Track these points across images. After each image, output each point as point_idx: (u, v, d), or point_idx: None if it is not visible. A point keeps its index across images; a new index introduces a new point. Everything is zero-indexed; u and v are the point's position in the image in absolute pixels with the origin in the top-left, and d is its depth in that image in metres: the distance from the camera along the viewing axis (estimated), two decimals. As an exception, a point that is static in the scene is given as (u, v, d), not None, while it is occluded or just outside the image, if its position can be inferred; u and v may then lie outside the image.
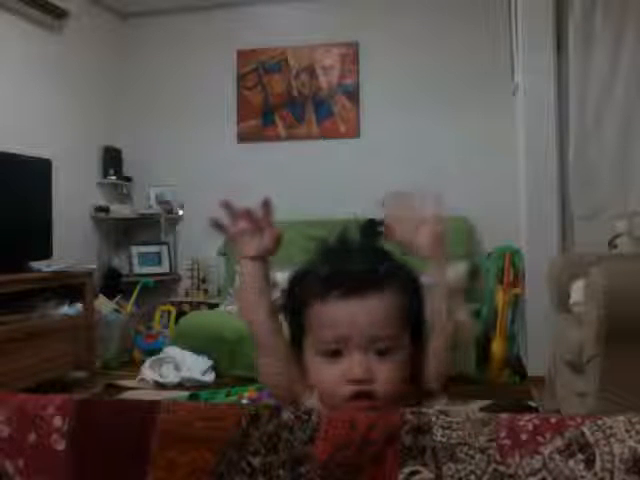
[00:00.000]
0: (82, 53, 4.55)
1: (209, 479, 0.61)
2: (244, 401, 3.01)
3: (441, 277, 0.89)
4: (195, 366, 3.50)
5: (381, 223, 0.99)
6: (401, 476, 0.58)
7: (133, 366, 3.85)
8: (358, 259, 0.87)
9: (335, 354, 0.81)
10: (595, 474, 0.56)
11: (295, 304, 0.88)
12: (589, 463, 0.56)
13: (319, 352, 0.83)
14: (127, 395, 3.24)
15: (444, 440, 0.59)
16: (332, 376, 0.80)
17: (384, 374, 0.80)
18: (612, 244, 3.16)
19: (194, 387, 3.36)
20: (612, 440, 0.56)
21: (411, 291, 0.86)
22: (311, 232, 4.19)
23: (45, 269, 3.45)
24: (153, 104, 4.93)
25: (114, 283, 4.57)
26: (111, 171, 4.75)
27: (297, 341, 0.87)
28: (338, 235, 0.90)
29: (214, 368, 3.58)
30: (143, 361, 3.68)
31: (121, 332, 4.10)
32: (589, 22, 3.40)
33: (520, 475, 0.57)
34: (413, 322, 0.85)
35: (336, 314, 0.82)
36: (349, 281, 0.83)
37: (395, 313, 0.83)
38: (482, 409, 2.81)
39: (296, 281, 0.91)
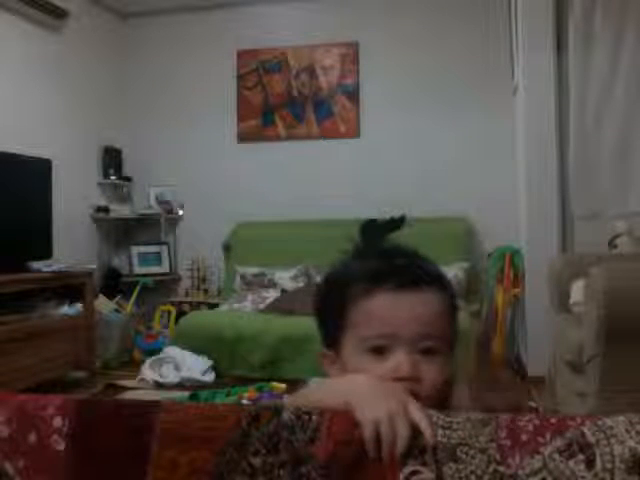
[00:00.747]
0: (82, 53, 4.55)
1: (209, 479, 0.61)
2: (244, 401, 3.01)
3: None
4: (195, 366, 3.50)
5: (394, 221, 0.95)
6: (401, 476, 0.58)
7: (133, 366, 3.85)
8: (402, 256, 0.84)
9: (381, 351, 0.78)
10: (595, 474, 0.56)
11: (335, 302, 0.83)
12: (589, 463, 0.56)
13: (364, 349, 0.79)
14: (127, 395, 3.24)
15: (444, 440, 0.59)
16: (377, 373, 0.76)
17: (430, 374, 0.77)
18: (612, 244, 3.16)
19: (194, 387, 3.36)
20: (612, 440, 0.56)
21: (452, 294, 0.84)
22: (311, 232, 4.20)
23: (45, 269, 3.45)
24: (153, 104, 4.93)
25: (114, 283, 4.57)
26: (111, 171, 4.75)
27: (334, 338, 0.83)
28: (361, 234, 0.89)
29: (214, 368, 3.57)
30: (143, 361, 3.67)
31: (121, 332, 4.10)
32: (589, 22, 3.40)
33: (520, 475, 0.57)
34: (451, 328, 0.83)
35: (384, 309, 0.79)
36: (400, 275, 0.79)
37: (442, 312, 0.80)
38: (482, 409, 2.81)
39: (335, 279, 0.86)
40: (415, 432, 0.60)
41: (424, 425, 0.60)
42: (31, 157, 3.58)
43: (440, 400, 0.77)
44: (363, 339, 0.79)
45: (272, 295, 4.01)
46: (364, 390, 0.66)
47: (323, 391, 0.73)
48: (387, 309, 0.78)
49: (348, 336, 0.81)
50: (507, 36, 4.11)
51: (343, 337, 0.81)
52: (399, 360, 0.76)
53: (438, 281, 0.82)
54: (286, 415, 0.62)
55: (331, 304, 0.84)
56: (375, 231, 0.95)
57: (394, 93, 4.54)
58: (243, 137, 4.80)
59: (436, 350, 0.78)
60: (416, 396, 0.75)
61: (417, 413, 0.62)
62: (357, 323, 0.80)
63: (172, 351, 3.61)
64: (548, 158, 3.50)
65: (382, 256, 0.84)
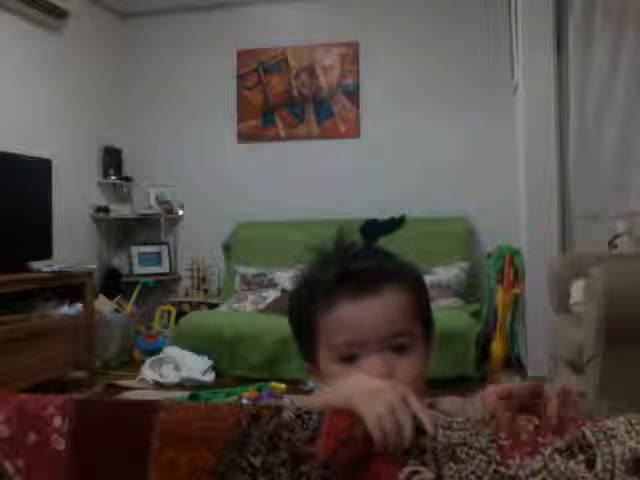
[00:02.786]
0: (82, 53, 4.55)
1: (209, 479, 0.61)
2: (244, 401, 3.01)
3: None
4: (195, 366, 3.50)
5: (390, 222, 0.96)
6: (402, 476, 0.58)
7: (133, 366, 3.85)
8: (361, 259, 0.84)
9: (352, 358, 0.79)
10: (596, 475, 0.56)
11: (303, 314, 0.84)
12: (590, 464, 0.56)
13: (336, 357, 0.80)
14: (127, 395, 3.24)
15: (444, 440, 0.59)
16: None
17: (404, 370, 0.78)
18: (612, 244, 3.16)
19: (194, 387, 3.35)
20: (613, 441, 0.56)
21: (419, 286, 0.85)
22: (311, 232, 4.20)
23: (45, 269, 3.45)
24: (153, 104, 4.93)
25: (114, 283, 4.57)
26: (111, 171, 4.75)
27: (310, 352, 0.84)
28: (336, 239, 0.87)
29: (214, 368, 3.57)
30: (143, 361, 3.68)
31: (121, 332, 4.10)
32: (589, 22, 3.40)
33: (520, 476, 0.57)
34: (423, 318, 0.84)
35: (347, 316, 0.79)
36: (356, 279, 0.80)
37: (408, 307, 0.81)
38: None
39: (301, 291, 0.87)
40: (417, 432, 0.60)
41: (424, 416, 0.60)
42: (31, 157, 3.58)
43: (417, 393, 0.78)
44: (333, 347, 0.80)
45: (272, 295, 4.01)
46: (364, 388, 0.67)
47: (327, 393, 0.73)
48: (349, 316, 0.79)
49: (320, 346, 0.82)
50: (507, 36, 4.11)
51: (317, 348, 0.82)
52: (371, 361, 0.77)
53: (398, 276, 0.82)
54: (286, 414, 0.62)
55: (300, 317, 0.85)
56: (375, 231, 0.96)
57: (394, 93, 4.54)
58: (243, 137, 4.80)
59: (407, 345, 0.79)
60: None
61: (416, 405, 0.62)
62: (325, 333, 0.80)
63: (172, 351, 3.61)
64: (548, 158, 3.49)
65: (339, 263, 0.83)
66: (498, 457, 0.58)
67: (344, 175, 4.58)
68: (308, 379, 0.79)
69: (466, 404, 0.80)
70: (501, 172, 4.27)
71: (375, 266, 0.82)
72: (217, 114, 4.80)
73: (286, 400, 2.97)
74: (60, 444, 0.65)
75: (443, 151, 4.43)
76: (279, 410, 0.62)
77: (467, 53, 4.38)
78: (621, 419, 0.58)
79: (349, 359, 0.79)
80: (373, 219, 4.31)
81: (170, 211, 4.80)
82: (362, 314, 0.79)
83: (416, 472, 0.58)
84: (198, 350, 3.59)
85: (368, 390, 0.66)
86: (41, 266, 3.48)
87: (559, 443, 0.57)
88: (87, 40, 4.61)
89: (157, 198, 4.82)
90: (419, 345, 0.81)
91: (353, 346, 0.78)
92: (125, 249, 4.83)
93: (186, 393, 3.19)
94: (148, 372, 3.50)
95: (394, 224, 4.29)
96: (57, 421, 0.66)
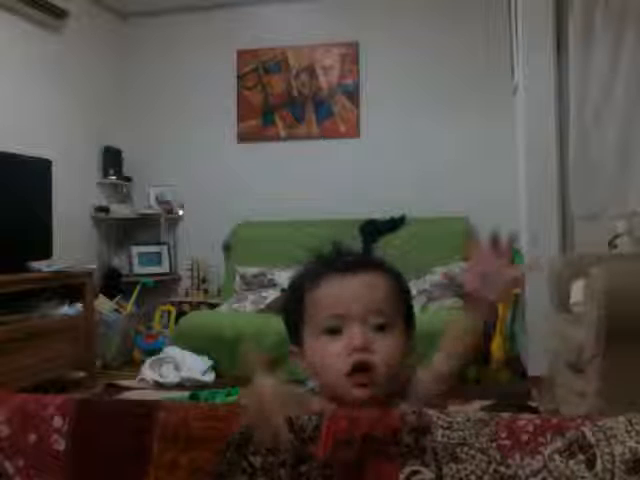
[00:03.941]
0: (82, 53, 4.55)
1: (209, 479, 0.61)
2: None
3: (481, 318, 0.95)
4: (195, 366, 3.50)
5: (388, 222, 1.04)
6: (402, 476, 0.58)
7: (133, 366, 3.85)
8: (349, 254, 0.94)
9: (336, 331, 0.86)
10: (596, 474, 0.56)
11: (293, 302, 0.93)
12: (590, 464, 0.56)
13: (320, 332, 0.87)
14: (127, 395, 3.24)
15: (445, 440, 0.59)
16: (334, 351, 0.85)
17: (383, 348, 0.84)
18: (612, 244, 3.16)
19: (194, 387, 3.35)
20: (613, 441, 0.56)
21: (399, 279, 0.92)
22: (311, 232, 4.20)
23: (45, 269, 3.45)
24: (153, 104, 4.93)
25: (114, 283, 4.57)
26: (111, 171, 4.75)
27: (296, 333, 0.92)
28: (332, 246, 0.96)
29: (214, 368, 3.57)
30: (143, 361, 3.67)
31: (121, 332, 4.10)
32: (589, 22, 3.40)
33: (520, 476, 0.57)
34: (404, 309, 0.90)
35: (332, 292, 0.87)
36: (342, 263, 0.89)
37: (388, 291, 0.88)
38: (482, 409, 2.81)
39: (294, 281, 0.96)
40: (417, 432, 0.60)
41: None
42: (31, 157, 3.58)
43: (397, 378, 0.85)
44: (317, 324, 0.87)
45: (272, 295, 4.01)
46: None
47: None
48: (334, 291, 0.87)
49: (306, 328, 0.90)
50: (507, 36, 4.11)
51: (303, 331, 0.90)
52: (352, 333, 0.84)
53: (380, 266, 0.91)
54: (286, 415, 0.62)
55: (291, 304, 0.94)
56: (374, 231, 1.02)
57: (394, 93, 4.54)
58: (243, 137, 4.80)
59: (388, 327, 0.86)
60: (372, 369, 0.83)
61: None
62: (311, 313, 0.89)
63: (172, 351, 3.61)
64: (548, 158, 3.49)
65: (329, 256, 0.93)
66: (498, 457, 0.58)
67: (344, 175, 4.57)
68: (294, 363, 0.88)
69: (432, 371, 0.90)
70: (501, 172, 4.27)
71: (359, 257, 0.94)
72: (217, 114, 4.80)
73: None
74: (60, 444, 0.65)
75: (443, 151, 4.43)
76: (279, 410, 0.62)
77: (467, 53, 4.38)
78: (621, 419, 0.58)
79: (333, 331, 0.86)
80: (373, 219, 4.31)
81: (170, 211, 4.80)
82: (346, 289, 0.87)
83: (416, 472, 0.58)
84: (198, 350, 3.59)
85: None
86: (41, 266, 3.48)
87: (559, 443, 0.57)
88: (87, 40, 4.61)
89: (157, 198, 4.82)
90: (398, 331, 0.87)
91: (337, 318, 0.86)
92: (125, 249, 4.83)
93: (186, 393, 3.19)
94: (148, 372, 3.50)
95: (394, 224, 4.28)
96: (57, 421, 0.66)
